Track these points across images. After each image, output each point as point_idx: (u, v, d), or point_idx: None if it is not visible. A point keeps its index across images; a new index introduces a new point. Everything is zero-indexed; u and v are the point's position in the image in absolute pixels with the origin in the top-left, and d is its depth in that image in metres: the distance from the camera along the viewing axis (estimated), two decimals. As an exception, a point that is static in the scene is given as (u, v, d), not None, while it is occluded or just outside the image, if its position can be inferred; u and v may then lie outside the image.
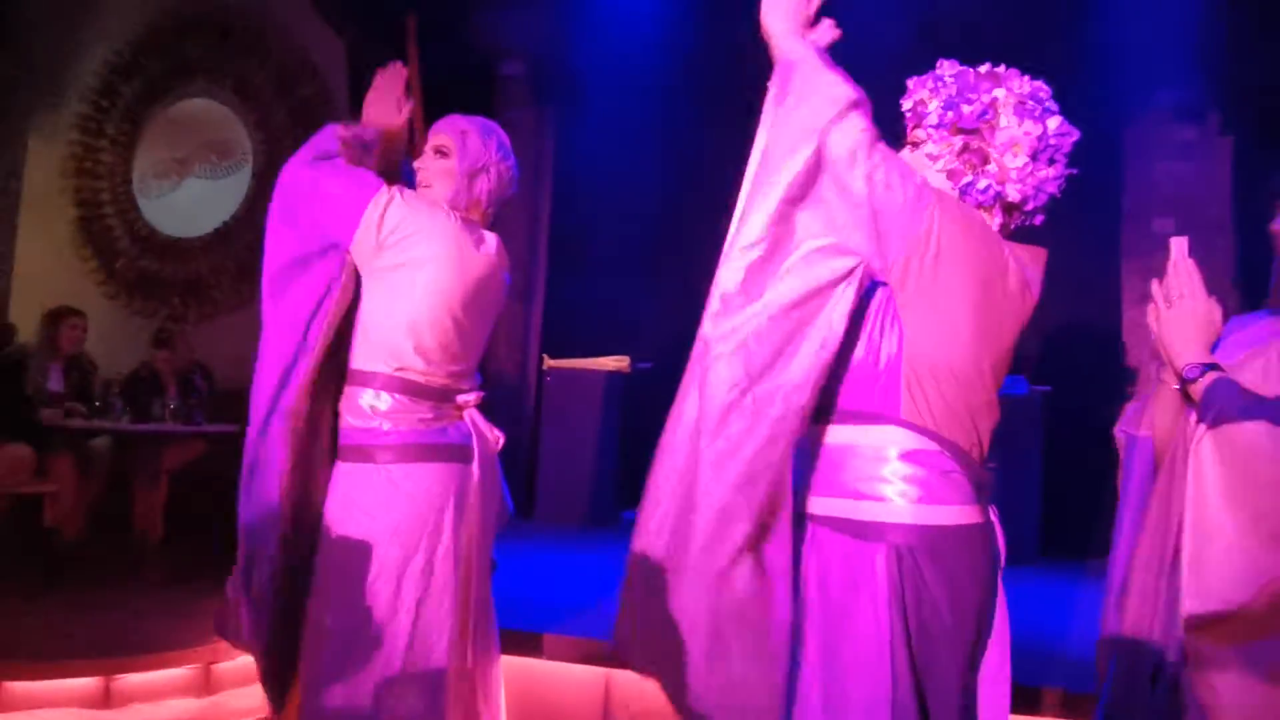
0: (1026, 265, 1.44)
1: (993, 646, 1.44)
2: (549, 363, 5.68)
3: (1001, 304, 1.40)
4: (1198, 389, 1.34)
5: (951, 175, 1.45)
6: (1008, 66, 1.48)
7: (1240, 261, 4.85)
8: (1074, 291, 4.99)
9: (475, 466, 1.94)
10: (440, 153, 2.02)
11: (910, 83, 1.51)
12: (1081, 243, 5.08)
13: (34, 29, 6.85)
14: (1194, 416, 1.33)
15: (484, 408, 2.04)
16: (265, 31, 6.54)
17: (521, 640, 2.88)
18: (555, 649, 2.89)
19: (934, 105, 1.45)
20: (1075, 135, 1.45)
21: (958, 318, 1.36)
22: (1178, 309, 1.38)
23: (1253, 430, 1.24)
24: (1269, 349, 1.47)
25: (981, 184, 1.43)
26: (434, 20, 5.40)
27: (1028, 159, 1.42)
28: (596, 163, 5.77)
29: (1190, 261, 1.40)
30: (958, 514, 1.39)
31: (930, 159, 1.46)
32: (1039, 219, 1.51)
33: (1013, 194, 1.44)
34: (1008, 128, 1.42)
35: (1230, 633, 1.25)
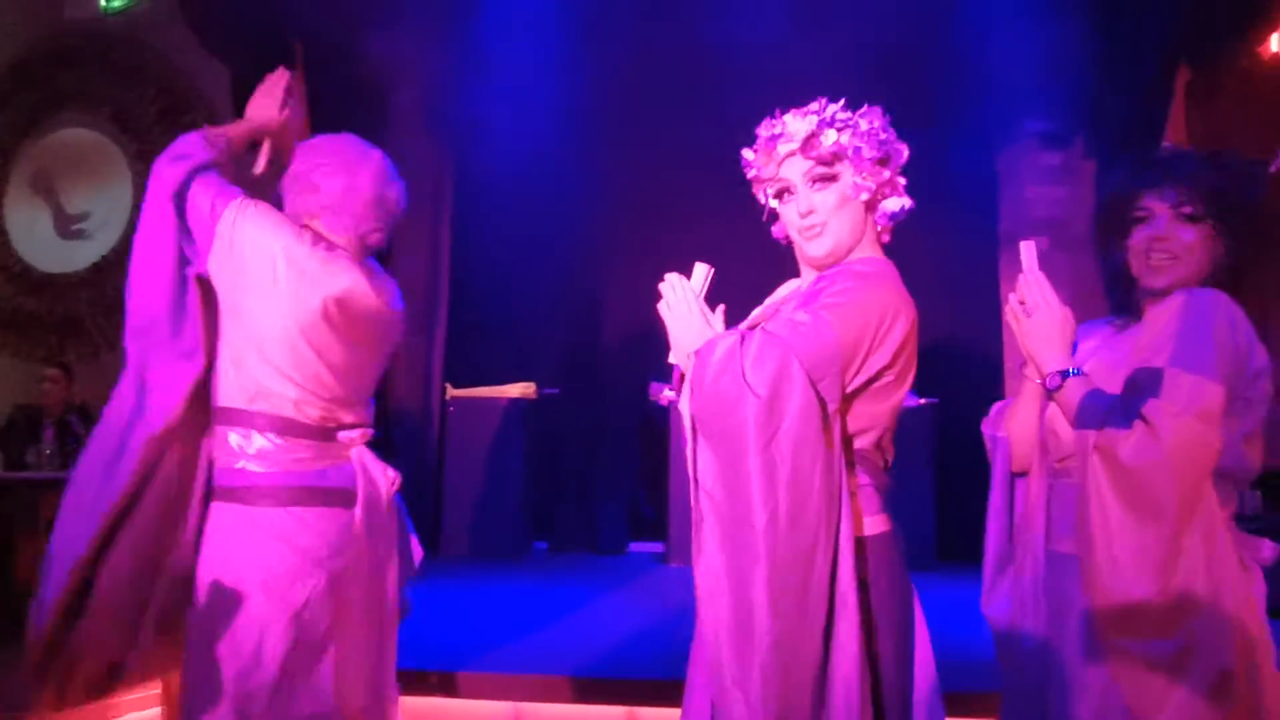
0: None
1: (918, 640, 1.50)
2: (452, 392, 5.60)
3: None
4: (1064, 397, 1.46)
5: (870, 206, 1.56)
6: (887, 102, 1.59)
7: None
8: (957, 308, 5.24)
9: (359, 510, 1.85)
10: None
11: (791, 116, 1.54)
12: (963, 262, 5.36)
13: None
14: (1071, 424, 1.44)
15: (386, 441, 1.97)
16: (146, 59, 6.33)
17: (430, 679, 2.82)
18: (466, 686, 2.84)
19: (855, 142, 1.51)
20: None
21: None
22: (1036, 318, 1.49)
23: (1134, 443, 1.34)
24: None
25: (895, 205, 1.56)
26: (322, 48, 5.34)
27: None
28: (495, 190, 5.75)
29: (1039, 272, 1.51)
30: (871, 524, 1.45)
31: (856, 189, 1.52)
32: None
33: (907, 206, 1.58)
34: (902, 152, 1.57)
35: (1135, 627, 1.35)
